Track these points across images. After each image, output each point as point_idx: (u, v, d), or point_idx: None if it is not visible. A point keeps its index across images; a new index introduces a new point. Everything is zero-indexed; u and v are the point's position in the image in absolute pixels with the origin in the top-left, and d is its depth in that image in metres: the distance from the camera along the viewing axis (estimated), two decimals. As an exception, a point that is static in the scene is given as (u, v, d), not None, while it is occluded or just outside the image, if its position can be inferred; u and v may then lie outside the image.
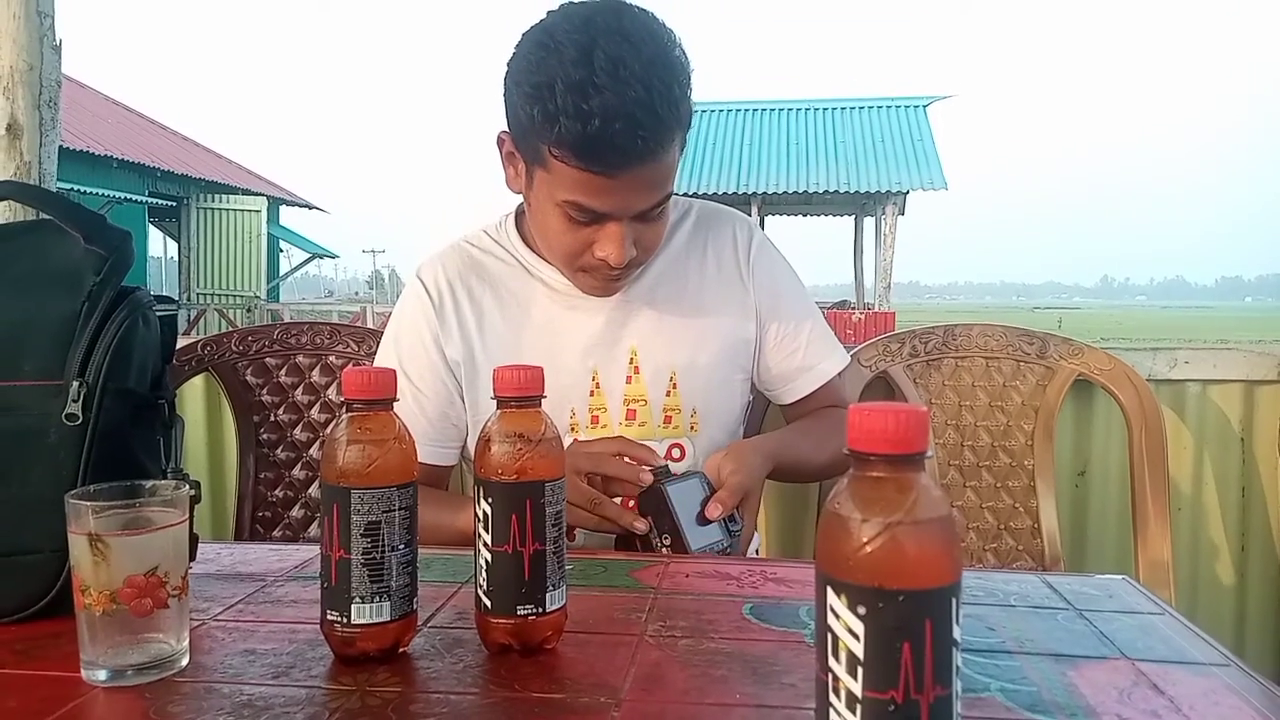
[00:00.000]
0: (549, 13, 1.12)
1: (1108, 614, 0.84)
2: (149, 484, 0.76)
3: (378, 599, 0.72)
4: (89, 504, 0.70)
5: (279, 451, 1.83)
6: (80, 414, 0.82)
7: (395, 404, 0.76)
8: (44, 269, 0.90)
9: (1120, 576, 0.95)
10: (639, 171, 1.09)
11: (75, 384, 0.83)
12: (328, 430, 0.73)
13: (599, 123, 1.03)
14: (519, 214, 1.35)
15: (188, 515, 0.74)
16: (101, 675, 0.70)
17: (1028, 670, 0.72)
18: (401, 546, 0.74)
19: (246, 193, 16.44)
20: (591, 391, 1.28)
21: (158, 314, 0.95)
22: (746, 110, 18.42)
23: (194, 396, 2.18)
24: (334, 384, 1.85)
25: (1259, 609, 2.00)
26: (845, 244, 19.62)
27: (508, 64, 1.13)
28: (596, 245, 1.16)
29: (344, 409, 0.75)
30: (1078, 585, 0.92)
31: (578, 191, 1.11)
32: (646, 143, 1.06)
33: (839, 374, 1.40)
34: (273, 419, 1.83)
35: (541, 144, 1.09)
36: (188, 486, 0.76)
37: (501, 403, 0.77)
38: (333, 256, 20.85)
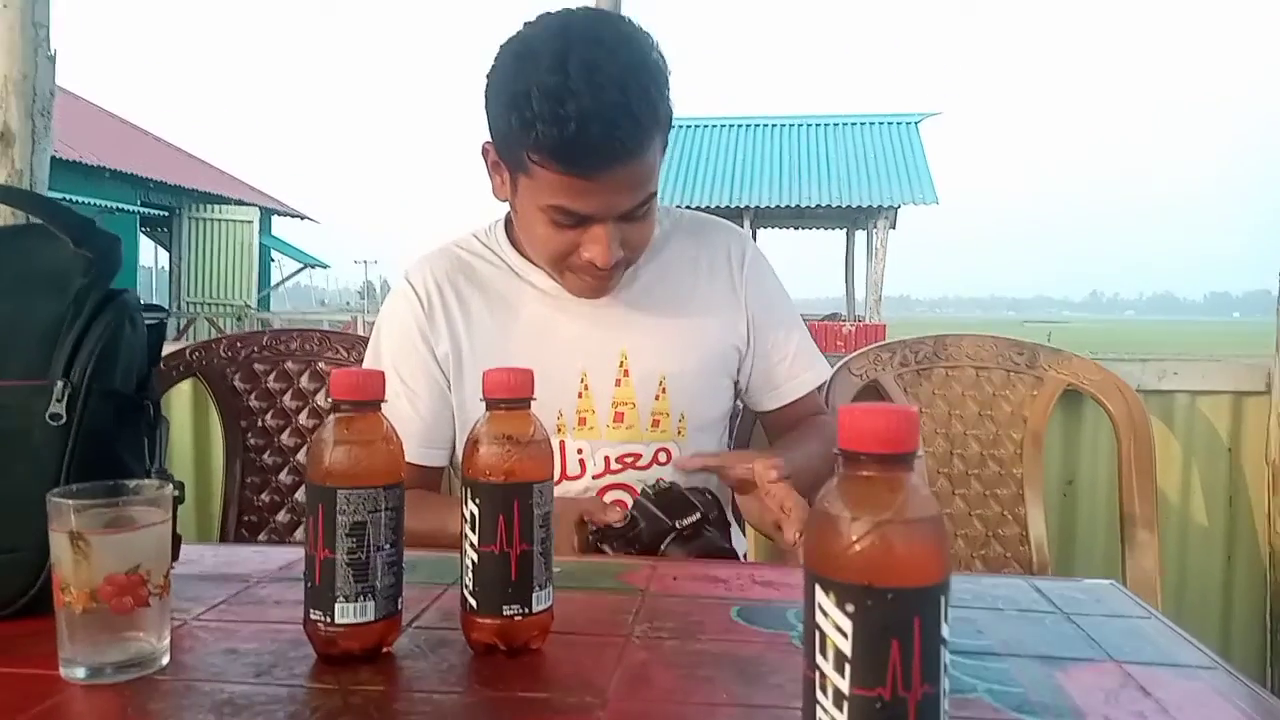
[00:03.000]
0: (525, 23, 1.13)
1: (1096, 618, 0.84)
2: (132, 483, 0.76)
3: (362, 599, 0.72)
4: (71, 502, 0.69)
5: (266, 456, 1.82)
6: (64, 413, 0.82)
7: (388, 405, 0.76)
8: (32, 271, 0.89)
9: (1108, 582, 0.95)
10: (619, 172, 1.09)
11: (60, 384, 0.82)
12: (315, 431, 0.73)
13: (575, 127, 1.04)
14: (508, 219, 1.35)
15: (170, 515, 0.74)
16: (80, 673, 0.69)
17: (1015, 672, 0.71)
18: (387, 547, 0.73)
19: (239, 203, 16.41)
20: (580, 394, 1.28)
21: (146, 321, 0.94)
22: (739, 125, 18.47)
23: (181, 402, 2.17)
24: (322, 390, 1.84)
25: (1244, 618, 2.01)
26: (837, 257, 19.69)
27: (487, 76, 1.15)
28: (583, 247, 1.16)
29: (331, 410, 0.74)
30: (1066, 590, 0.92)
31: (560, 195, 1.11)
32: (625, 144, 1.07)
33: (820, 385, 1.41)
34: (260, 424, 1.83)
35: (522, 151, 1.10)
36: (170, 486, 0.75)
37: (491, 404, 0.76)
38: (324, 266, 20.79)
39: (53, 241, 0.89)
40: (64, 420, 0.82)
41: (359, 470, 0.72)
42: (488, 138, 1.19)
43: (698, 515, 1.09)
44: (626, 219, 1.16)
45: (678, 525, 1.08)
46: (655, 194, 1.18)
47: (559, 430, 1.27)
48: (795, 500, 1.06)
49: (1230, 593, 2.01)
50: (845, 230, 18.85)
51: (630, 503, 1.12)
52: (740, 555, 1.14)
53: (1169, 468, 1.99)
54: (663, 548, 1.07)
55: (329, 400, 0.76)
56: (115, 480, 0.75)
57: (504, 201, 1.25)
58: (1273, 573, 1.91)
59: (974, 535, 1.75)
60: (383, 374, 0.75)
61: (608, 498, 1.28)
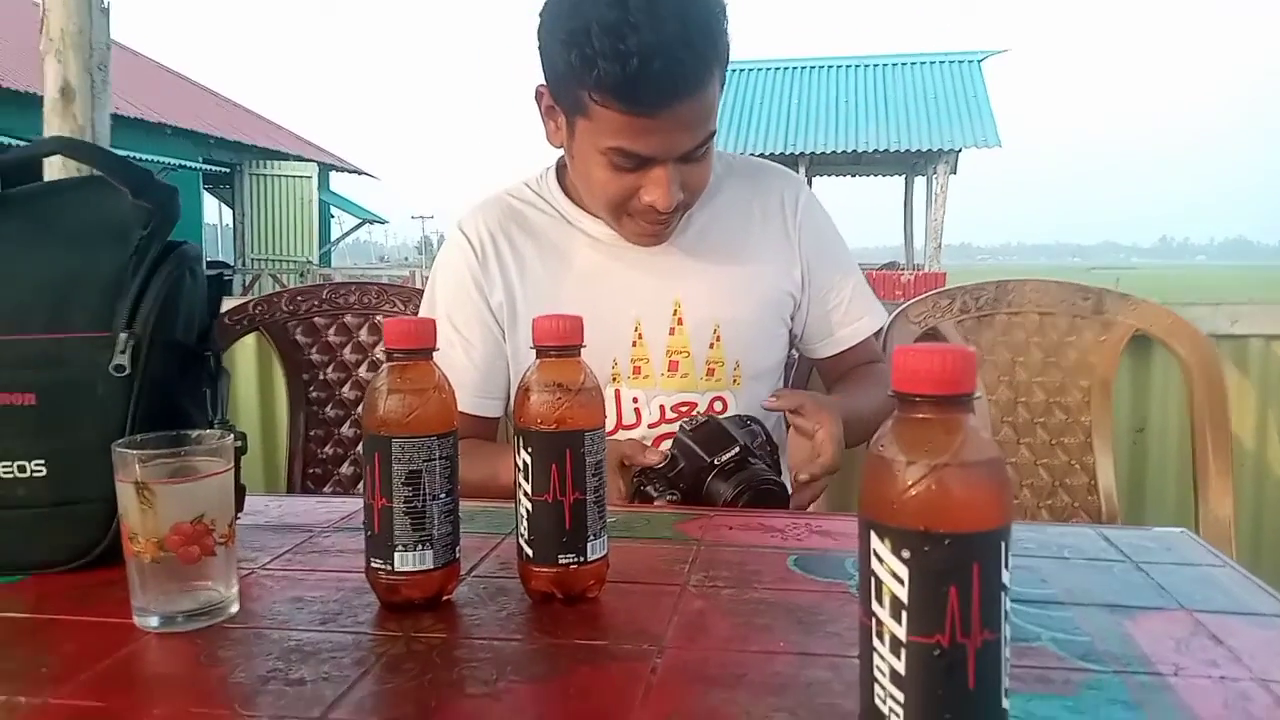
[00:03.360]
0: None
1: (1166, 566, 0.82)
2: (195, 433, 0.77)
3: (420, 547, 0.73)
4: (135, 453, 0.71)
5: (328, 409, 1.85)
6: (128, 365, 0.83)
7: (441, 354, 0.76)
8: (92, 223, 0.90)
9: (1180, 530, 0.92)
10: (681, 110, 1.07)
11: (123, 335, 0.84)
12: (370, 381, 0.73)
13: (638, 62, 1.02)
14: (560, 166, 1.34)
15: (232, 464, 0.75)
16: (153, 621, 0.71)
17: (1080, 621, 0.70)
18: (443, 495, 0.74)
19: (298, 159, 16.59)
20: (634, 342, 1.27)
21: (206, 273, 0.96)
22: (794, 68, 18.12)
23: (246, 355, 2.22)
24: (381, 343, 1.86)
25: (1324, 568, 1.95)
26: (895, 204, 19.32)
27: (540, 14, 1.12)
28: (643, 190, 1.15)
29: (385, 359, 0.75)
30: (1135, 538, 0.89)
31: (621, 136, 1.09)
32: (687, 79, 1.05)
33: (876, 332, 1.39)
34: (322, 377, 1.85)
35: (581, 90, 1.08)
36: (232, 437, 0.76)
37: (541, 352, 0.76)
38: (382, 222, 21.01)
39: (112, 193, 0.90)
40: (128, 372, 0.83)
41: (412, 419, 0.72)
42: (541, 81, 1.17)
43: (737, 449, 1.07)
44: (686, 160, 1.14)
45: (716, 462, 1.06)
46: (714, 133, 1.15)
47: (614, 379, 1.27)
48: (828, 450, 1.08)
49: (1307, 541, 1.96)
50: (904, 176, 18.46)
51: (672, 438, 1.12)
52: (789, 487, 1.12)
53: (1243, 414, 1.93)
54: (706, 485, 1.06)
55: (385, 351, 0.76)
56: (178, 431, 0.76)
57: (558, 148, 1.23)
58: (1352, 520, 1.84)
59: (1040, 485, 1.72)
60: (434, 322, 0.76)
61: (663, 446, 1.28)
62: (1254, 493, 1.95)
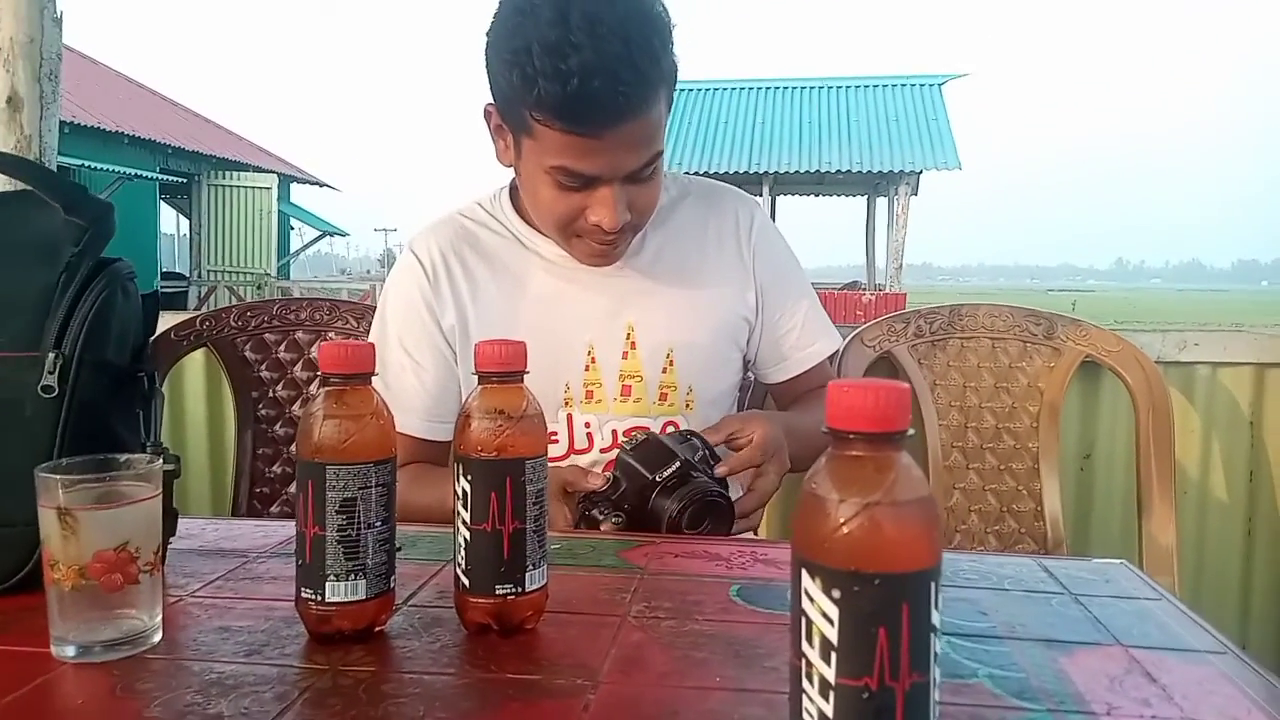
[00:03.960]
0: None
1: (1104, 599, 0.82)
2: (122, 457, 0.75)
3: (353, 577, 0.71)
4: (59, 478, 0.69)
5: (278, 428, 1.82)
6: (56, 386, 0.81)
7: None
8: (22, 240, 0.88)
9: (1119, 561, 0.93)
10: (624, 129, 1.06)
11: (51, 355, 0.82)
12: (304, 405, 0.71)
13: (578, 82, 1.01)
14: (513, 186, 1.33)
15: (161, 490, 0.73)
16: (70, 651, 0.69)
17: (1017, 656, 0.70)
18: (378, 524, 0.72)
19: (257, 170, 16.43)
20: (587, 366, 1.26)
21: (166, 290, 0.94)
22: (758, 89, 18.26)
23: (195, 372, 2.18)
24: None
25: (1264, 593, 1.98)
26: (857, 225, 19.51)
27: (487, 33, 1.11)
28: (589, 211, 1.14)
29: (320, 383, 0.73)
30: (1074, 569, 0.90)
31: (565, 156, 1.09)
32: (629, 99, 1.04)
33: (830, 356, 1.39)
34: (271, 395, 1.82)
35: (524, 110, 1.07)
36: (161, 461, 0.74)
37: (482, 378, 0.75)
38: (343, 234, 20.82)
39: (44, 209, 0.88)
40: (56, 393, 0.81)
41: (349, 445, 0.71)
42: (490, 100, 1.16)
43: (678, 464, 1.06)
44: (633, 180, 1.13)
45: (659, 479, 1.05)
46: (661, 153, 1.15)
47: (566, 404, 1.26)
48: (763, 480, 1.12)
49: (1250, 567, 1.98)
50: (866, 196, 18.67)
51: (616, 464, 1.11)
52: (735, 499, 1.12)
53: (1189, 441, 1.96)
54: (651, 502, 1.05)
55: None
56: (105, 455, 0.74)
57: (508, 166, 1.22)
58: (1293, 547, 1.88)
59: (988, 510, 1.73)
60: (372, 347, 0.74)
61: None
62: (1197, 520, 1.97)
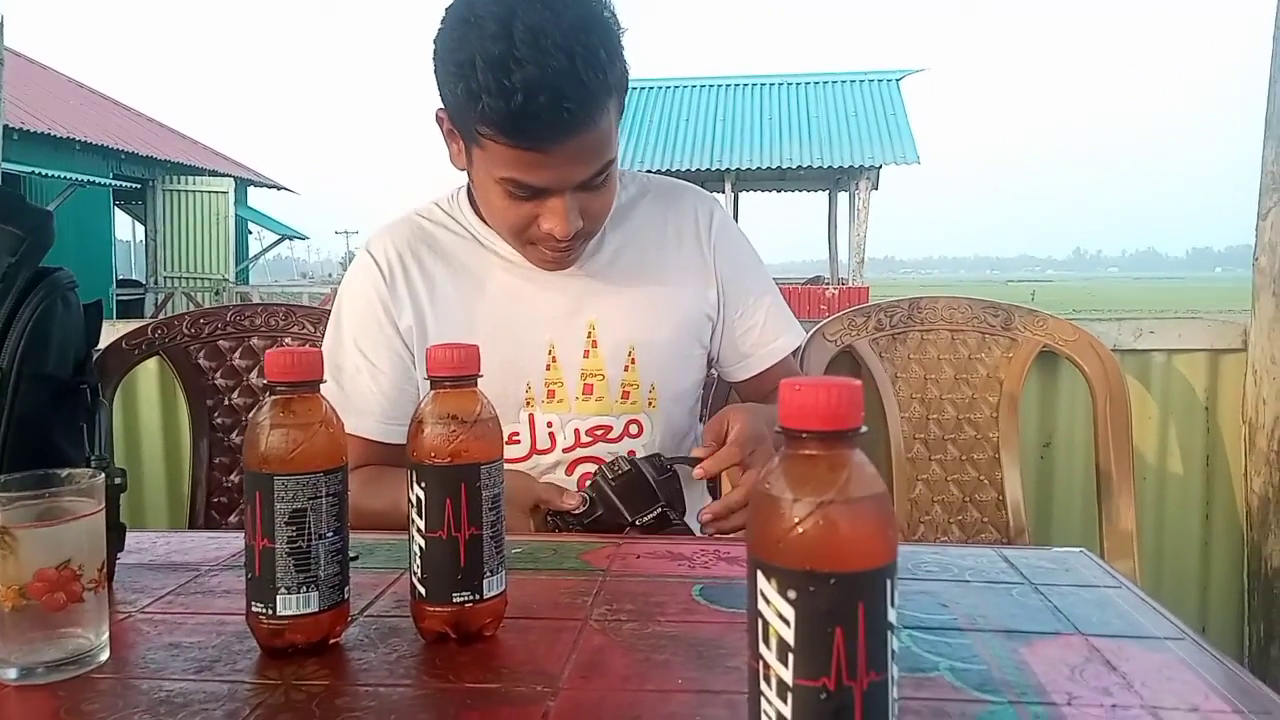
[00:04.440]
0: None
1: (1063, 588, 0.82)
2: (64, 472, 0.73)
3: (305, 589, 0.69)
4: (-5, 495, 0.67)
5: (234, 436, 1.79)
6: (-6, 400, 0.79)
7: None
8: (-44, 249, 0.85)
9: (1078, 550, 0.93)
10: (570, 144, 1.05)
11: (-12, 369, 0.79)
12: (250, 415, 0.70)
13: (522, 98, 0.99)
14: (470, 186, 1.31)
15: (104, 505, 0.71)
16: (11, 674, 0.66)
17: (978, 648, 0.70)
18: (330, 534, 0.71)
19: (213, 174, 16.18)
20: (548, 365, 1.25)
21: (122, 298, 0.91)
22: (718, 86, 18.29)
23: (148, 380, 2.14)
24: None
25: (1222, 576, 2.01)
26: (819, 220, 19.61)
27: (434, 41, 1.09)
28: (541, 219, 1.13)
29: (266, 392, 0.71)
30: (1034, 559, 0.90)
31: (513, 168, 1.07)
32: (574, 114, 1.02)
33: (794, 351, 1.38)
34: (227, 403, 1.79)
35: (471, 123, 1.05)
36: (104, 475, 0.72)
37: (435, 383, 0.74)
38: (303, 238, 20.57)
39: (-21, 220, 0.85)
40: (-6, 408, 0.79)
41: (297, 455, 0.69)
42: (441, 105, 1.14)
43: (659, 510, 1.06)
44: (584, 189, 1.12)
45: (638, 522, 1.06)
46: (613, 161, 1.14)
47: (528, 404, 1.25)
48: (751, 474, 1.08)
49: (1208, 551, 2.01)
50: (828, 192, 18.77)
51: (591, 479, 1.10)
52: (723, 496, 1.11)
53: (1146, 427, 1.98)
54: (624, 535, 1.05)
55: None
56: (47, 470, 0.72)
57: (461, 170, 1.21)
58: (1250, 531, 1.90)
59: (950, 501, 1.74)
60: (319, 353, 0.73)
61: (578, 471, 1.25)
62: (1156, 505, 2.00)
